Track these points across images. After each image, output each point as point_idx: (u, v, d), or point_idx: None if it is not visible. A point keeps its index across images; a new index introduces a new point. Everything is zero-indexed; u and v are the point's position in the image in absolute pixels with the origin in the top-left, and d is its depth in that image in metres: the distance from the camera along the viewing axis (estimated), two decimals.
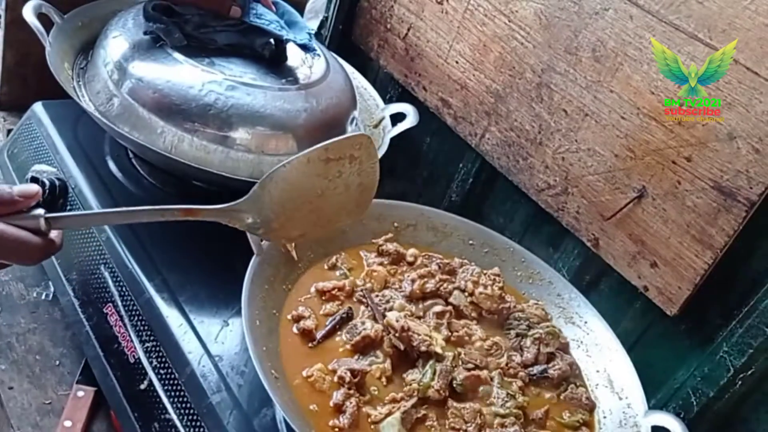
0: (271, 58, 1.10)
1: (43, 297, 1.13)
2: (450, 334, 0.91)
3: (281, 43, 1.11)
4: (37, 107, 1.22)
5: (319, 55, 1.17)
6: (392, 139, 1.20)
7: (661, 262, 0.97)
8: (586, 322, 0.98)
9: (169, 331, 0.92)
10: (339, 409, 0.78)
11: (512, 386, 0.87)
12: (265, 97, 1.04)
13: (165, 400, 0.88)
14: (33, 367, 1.02)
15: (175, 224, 1.07)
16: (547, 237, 1.16)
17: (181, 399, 0.87)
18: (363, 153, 0.79)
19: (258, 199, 0.75)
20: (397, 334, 0.85)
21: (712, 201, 0.91)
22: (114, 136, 1.08)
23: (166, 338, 0.92)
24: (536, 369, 0.91)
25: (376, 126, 1.26)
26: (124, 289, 0.98)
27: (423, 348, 0.85)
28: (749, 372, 0.91)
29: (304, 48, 1.14)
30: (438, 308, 0.93)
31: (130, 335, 0.95)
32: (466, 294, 0.96)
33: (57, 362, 1.04)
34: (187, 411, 0.86)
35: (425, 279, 0.95)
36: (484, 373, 0.86)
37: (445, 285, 0.95)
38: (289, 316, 0.88)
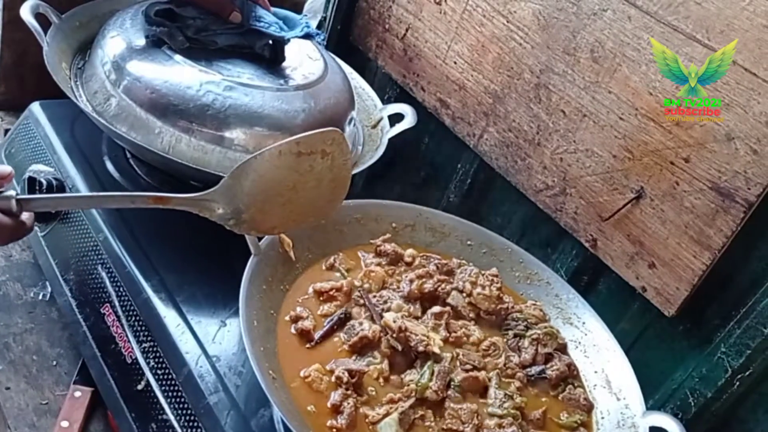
0: (270, 59, 1.10)
1: (40, 297, 1.13)
2: (448, 334, 0.91)
3: (280, 43, 1.11)
4: (35, 107, 1.22)
5: (323, 39, 1.17)
6: (390, 140, 1.20)
7: (659, 263, 0.97)
8: (584, 323, 0.98)
9: (166, 332, 0.92)
10: (336, 410, 0.78)
11: (510, 387, 0.87)
12: (263, 97, 1.04)
13: (162, 400, 0.88)
14: (30, 367, 1.02)
15: (172, 223, 1.07)
16: (545, 237, 1.16)
17: (178, 399, 0.87)
18: (335, 149, 0.79)
19: (229, 190, 0.76)
20: (394, 335, 0.85)
21: (710, 202, 0.91)
22: (111, 136, 1.08)
23: (163, 338, 0.92)
24: (534, 369, 0.91)
25: (374, 126, 1.26)
26: (121, 289, 0.98)
27: (421, 348, 0.84)
28: (747, 373, 0.91)
29: (308, 36, 1.14)
30: (436, 309, 0.93)
31: (127, 335, 0.95)
32: (464, 295, 0.96)
33: (54, 362, 1.04)
34: (184, 411, 0.86)
35: (423, 279, 0.95)
36: (482, 374, 0.86)
37: (443, 285, 0.95)
38: (286, 317, 0.87)
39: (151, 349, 0.92)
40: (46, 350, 1.05)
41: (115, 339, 0.96)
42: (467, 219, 1.09)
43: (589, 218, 1.06)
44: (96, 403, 0.99)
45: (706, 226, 0.92)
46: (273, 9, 1.15)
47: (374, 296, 0.93)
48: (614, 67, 0.99)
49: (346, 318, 0.89)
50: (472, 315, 0.95)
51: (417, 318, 0.92)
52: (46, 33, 1.10)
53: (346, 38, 1.47)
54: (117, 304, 0.98)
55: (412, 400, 0.81)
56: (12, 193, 0.74)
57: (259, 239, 0.88)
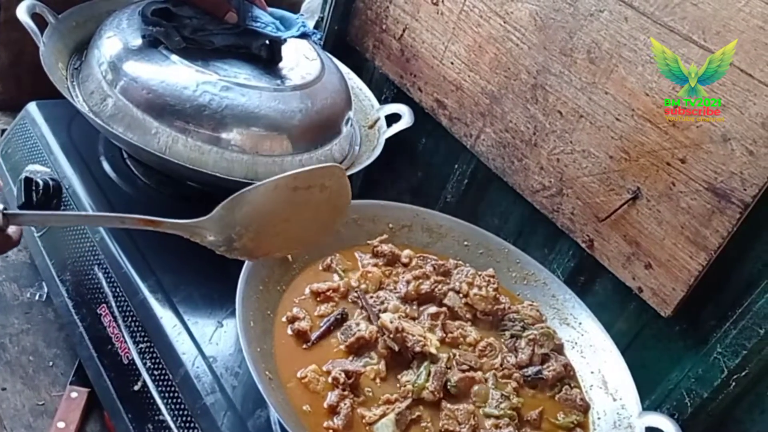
0: (266, 59, 1.10)
1: (37, 298, 1.13)
2: (444, 335, 0.91)
3: (277, 43, 1.10)
4: (31, 107, 1.22)
5: (320, 39, 1.17)
6: (387, 140, 1.20)
7: (656, 264, 0.98)
8: (580, 324, 0.98)
9: (163, 332, 0.92)
10: (333, 411, 0.78)
11: (507, 387, 0.87)
12: (260, 97, 1.04)
13: (159, 401, 0.88)
14: (26, 368, 1.02)
15: None
16: (542, 238, 1.17)
17: (175, 400, 0.87)
18: (334, 183, 0.80)
19: (221, 220, 0.76)
20: (391, 335, 0.85)
21: (706, 203, 0.91)
22: (108, 136, 1.08)
23: (160, 339, 0.92)
24: (531, 370, 0.91)
25: (371, 127, 1.26)
26: (117, 289, 0.98)
27: (417, 349, 0.85)
28: (743, 373, 0.91)
29: (304, 36, 1.14)
30: (432, 309, 0.93)
31: (123, 336, 0.95)
32: (461, 295, 0.96)
33: (50, 363, 1.04)
34: (181, 412, 0.86)
35: (420, 280, 0.95)
36: (478, 375, 0.86)
37: (439, 286, 0.95)
38: (283, 318, 0.87)
39: (147, 350, 0.92)
40: (42, 351, 1.05)
41: (111, 340, 0.96)
42: (464, 219, 1.09)
43: (585, 219, 1.06)
44: (92, 404, 0.99)
45: (702, 227, 0.92)
46: (270, 9, 1.15)
47: (371, 297, 0.93)
48: (611, 68, 0.99)
49: (343, 319, 0.89)
50: (468, 316, 0.95)
51: (414, 319, 0.92)
52: (42, 33, 1.09)
53: (343, 38, 1.47)
54: (113, 304, 0.98)
55: (408, 401, 0.81)
56: None
57: None
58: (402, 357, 0.86)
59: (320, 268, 0.97)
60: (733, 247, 0.91)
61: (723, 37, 0.86)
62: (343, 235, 1.01)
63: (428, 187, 1.37)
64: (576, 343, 0.97)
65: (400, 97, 1.36)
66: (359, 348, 0.85)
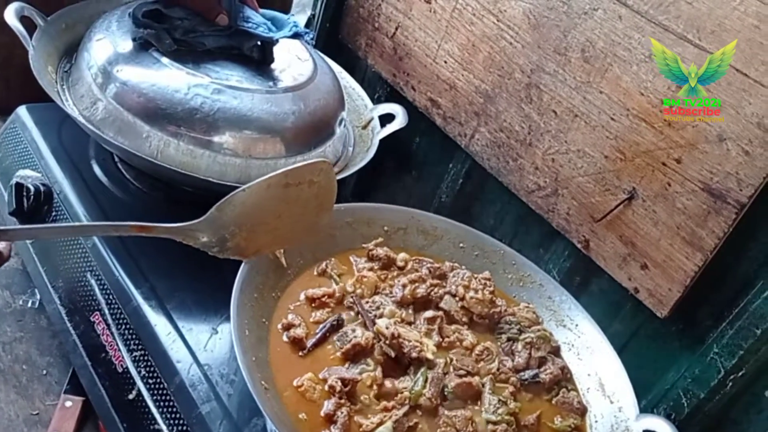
0: (258, 60, 1.09)
1: (29, 305, 1.12)
2: (441, 339, 0.90)
3: (268, 44, 1.09)
4: (21, 111, 1.21)
5: (312, 39, 1.16)
6: (381, 139, 1.19)
7: (652, 264, 0.97)
8: (577, 325, 0.98)
9: (157, 340, 0.91)
10: (330, 419, 0.77)
11: (504, 392, 0.87)
12: (252, 100, 1.03)
13: (154, 410, 0.88)
14: (20, 377, 1.01)
15: None
16: (537, 238, 1.16)
17: (170, 409, 0.87)
18: (322, 177, 0.81)
19: (215, 221, 0.76)
20: (387, 342, 0.84)
21: (702, 203, 0.90)
22: (99, 141, 1.07)
23: (154, 347, 0.91)
24: (528, 374, 0.90)
25: (364, 127, 1.25)
26: (110, 297, 0.97)
27: (414, 354, 0.84)
28: (740, 373, 0.91)
29: (297, 36, 1.12)
30: (429, 313, 0.92)
31: (117, 344, 0.94)
32: (457, 299, 0.95)
33: (44, 371, 1.03)
34: (176, 421, 0.86)
35: (416, 284, 0.94)
36: (475, 380, 0.86)
37: (435, 290, 0.95)
38: (279, 325, 0.87)
39: (142, 358, 0.91)
40: (35, 359, 1.04)
41: (105, 348, 0.95)
42: (459, 219, 1.08)
43: (581, 219, 1.05)
44: (87, 413, 0.99)
45: (698, 228, 0.91)
46: (261, 10, 1.14)
47: (367, 302, 0.92)
48: (605, 66, 0.98)
49: (339, 325, 0.88)
50: (465, 319, 0.94)
51: (410, 323, 0.91)
52: (31, 36, 1.08)
53: (335, 36, 1.46)
54: (107, 312, 0.97)
55: (405, 408, 0.80)
56: None
57: None
58: (399, 362, 0.85)
59: (315, 273, 0.96)
60: (729, 247, 0.90)
61: (718, 36, 0.86)
62: (338, 239, 1.00)
63: (423, 187, 1.36)
64: (572, 345, 0.97)
65: (394, 95, 1.35)
66: (355, 354, 0.85)
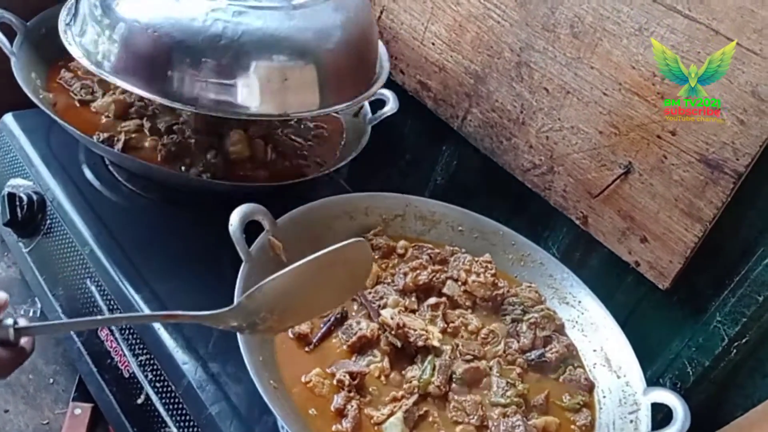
0: None
1: (31, 314, 1.11)
2: (446, 325, 0.91)
3: None
4: (8, 118, 1.19)
5: None
6: (373, 126, 1.18)
7: (651, 237, 0.97)
8: (579, 302, 0.98)
9: (161, 344, 0.91)
10: (341, 414, 0.78)
11: (511, 374, 0.87)
12: (281, 17, 0.91)
13: (164, 413, 0.88)
14: (27, 387, 1.01)
15: (159, 232, 1.06)
16: (535, 216, 1.16)
17: (179, 411, 0.87)
18: (359, 255, 0.77)
19: (245, 308, 0.72)
20: (393, 332, 0.84)
21: (699, 174, 0.90)
22: (88, 145, 1.06)
23: (159, 351, 0.91)
24: (534, 354, 0.91)
25: (356, 115, 1.24)
26: (112, 302, 0.97)
27: (420, 343, 0.84)
28: (743, 340, 0.92)
29: None
30: (432, 300, 0.92)
31: (122, 349, 0.94)
32: (459, 283, 0.95)
33: (51, 380, 1.03)
34: (187, 423, 0.86)
35: (417, 271, 0.94)
36: (482, 364, 0.86)
37: (437, 276, 0.95)
38: None
39: (148, 362, 0.91)
40: (41, 368, 1.04)
41: (110, 354, 0.95)
42: (455, 201, 1.07)
43: (578, 195, 1.05)
44: (96, 420, 0.99)
45: (696, 199, 0.91)
46: None
47: (369, 293, 0.92)
48: (595, 42, 0.97)
49: (343, 318, 0.88)
50: (468, 303, 0.95)
51: (414, 311, 0.91)
52: (12, 43, 1.06)
53: None
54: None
55: (415, 397, 0.80)
56: (9, 321, 0.71)
57: (249, 245, 0.86)
58: (405, 352, 0.85)
59: None
60: (728, 216, 0.90)
61: (707, 5, 0.85)
62: (336, 231, 0.99)
63: (417, 170, 1.35)
64: (576, 322, 0.97)
65: None
66: (362, 347, 0.85)
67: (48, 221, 1.08)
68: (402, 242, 1.00)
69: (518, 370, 0.88)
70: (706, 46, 0.86)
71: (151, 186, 1.11)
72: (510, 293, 0.97)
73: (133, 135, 1.08)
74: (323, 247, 0.96)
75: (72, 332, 1.00)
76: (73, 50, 0.96)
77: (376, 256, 0.98)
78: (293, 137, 1.19)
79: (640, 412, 0.84)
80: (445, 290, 0.95)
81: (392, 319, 0.84)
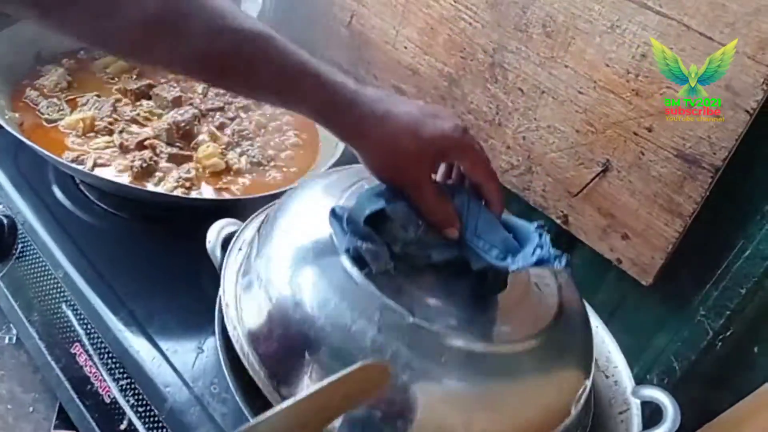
0: (487, 286, 0.74)
1: (7, 341, 1.09)
2: None
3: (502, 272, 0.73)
4: None
5: (566, 266, 0.70)
6: None
7: (632, 234, 0.97)
8: None
9: (142, 366, 0.89)
10: None
11: None
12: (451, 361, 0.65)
13: None
14: (6, 417, 0.98)
15: (134, 250, 1.04)
16: (515, 215, 1.15)
17: None
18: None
19: None
20: None
21: (676, 169, 0.90)
22: (56, 165, 1.03)
23: (139, 374, 0.89)
24: None
25: None
26: (89, 326, 0.94)
27: None
28: (728, 333, 0.91)
29: (541, 263, 0.70)
30: None
31: (102, 374, 0.91)
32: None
33: (31, 408, 1.00)
34: None
35: None
36: None
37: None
38: None
39: (129, 387, 0.89)
40: (20, 396, 1.01)
41: (89, 379, 0.93)
42: None
43: (557, 195, 1.04)
44: None
45: (675, 194, 0.91)
46: (504, 215, 0.80)
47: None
48: (568, 40, 0.97)
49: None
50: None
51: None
52: None
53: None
54: (87, 342, 0.94)
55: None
56: None
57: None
58: None
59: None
60: (708, 210, 0.91)
61: (678, 1, 0.85)
62: None
63: None
64: None
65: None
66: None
67: (20, 245, 1.06)
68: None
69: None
70: (678, 42, 0.86)
71: (125, 204, 1.08)
72: None
73: (103, 152, 1.06)
74: None
75: (50, 358, 0.97)
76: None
77: None
78: (269, 147, 1.17)
79: (630, 411, 0.83)
80: None
81: None
